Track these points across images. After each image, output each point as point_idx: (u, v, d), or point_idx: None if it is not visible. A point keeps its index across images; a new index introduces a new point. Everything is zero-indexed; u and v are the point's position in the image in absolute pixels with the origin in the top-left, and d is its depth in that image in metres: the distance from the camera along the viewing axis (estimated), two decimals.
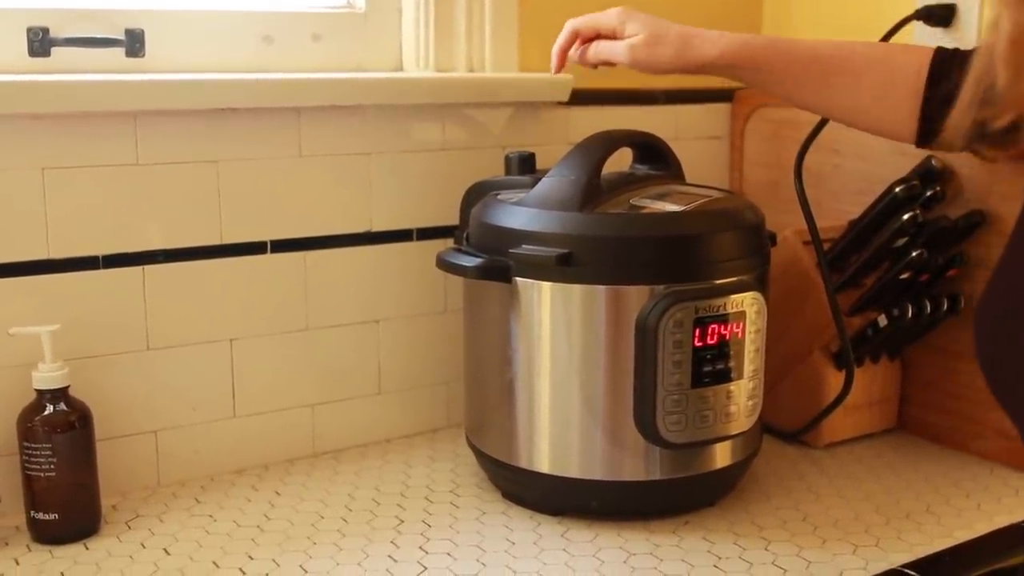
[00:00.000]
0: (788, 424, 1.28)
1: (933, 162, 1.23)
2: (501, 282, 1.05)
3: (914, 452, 1.27)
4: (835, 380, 1.25)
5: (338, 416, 1.26)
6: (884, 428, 1.32)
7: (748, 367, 1.06)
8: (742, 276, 1.06)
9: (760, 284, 1.08)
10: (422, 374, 1.31)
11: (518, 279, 1.05)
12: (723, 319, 1.03)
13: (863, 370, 1.28)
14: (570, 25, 1.11)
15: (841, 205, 1.34)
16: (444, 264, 1.08)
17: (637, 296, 1.02)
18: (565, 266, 1.02)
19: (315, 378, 1.24)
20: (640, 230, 1.03)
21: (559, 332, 1.04)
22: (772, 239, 1.15)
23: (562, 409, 1.06)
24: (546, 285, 1.04)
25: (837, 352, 1.26)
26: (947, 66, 1.01)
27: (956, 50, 1.02)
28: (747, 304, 1.04)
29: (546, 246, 1.03)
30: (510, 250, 1.04)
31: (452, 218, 1.28)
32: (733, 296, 1.03)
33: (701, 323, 1.02)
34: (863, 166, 1.33)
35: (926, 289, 1.23)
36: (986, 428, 1.23)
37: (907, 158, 1.26)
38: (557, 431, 1.06)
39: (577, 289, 1.03)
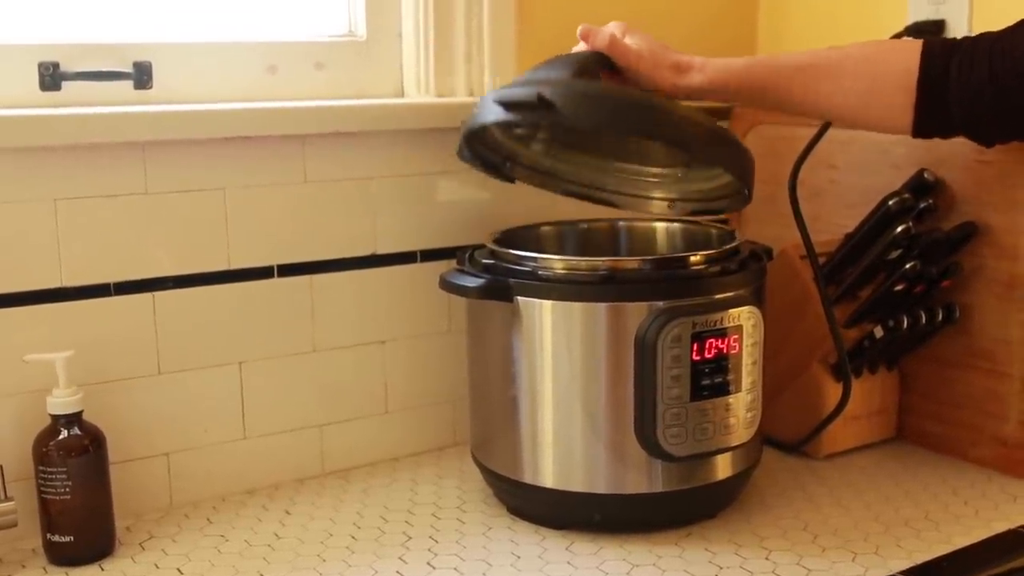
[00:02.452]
0: (788, 436, 1.30)
1: (925, 175, 1.25)
2: (503, 301, 1.08)
3: (913, 461, 1.29)
4: (834, 391, 1.27)
5: (346, 436, 1.29)
6: (883, 438, 1.34)
7: (746, 380, 1.08)
8: (739, 291, 1.08)
9: (757, 298, 1.10)
10: (428, 393, 1.34)
11: (519, 298, 1.07)
12: (721, 333, 1.05)
13: (861, 381, 1.30)
14: (580, 32, 1.12)
15: (838, 219, 1.36)
16: (447, 285, 1.11)
17: (636, 312, 1.04)
18: (546, 110, 1.00)
19: (323, 398, 1.27)
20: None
21: (560, 349, 1.07)
22: (768, 254, 1.18)
23: (565, 425, 1.08)
24: (547, 304, 1.06)
25: (835, 364, 1.28)
26: (939, 59, 1.05)
27: (945, 40, 1.06)
28: (744, 318, 1.07)
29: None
30: (494, 100, 1.05)
31: (455, 239, 1.31)
32: (730, 311, 1.06)
33: (699, 338, 1.04)
34: (859, 180, 1.36)
35: (921, 300, 1.25)
36: (983, 436, 1.25)
37: (902, 171, 1.29)
38: (560, 446, 1.09)
39: (577, 307, 1.05)
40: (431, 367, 1.34)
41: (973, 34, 1.07)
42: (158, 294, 1.15)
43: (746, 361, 1.08)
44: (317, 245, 1.24)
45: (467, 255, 1.18)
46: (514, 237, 1.22)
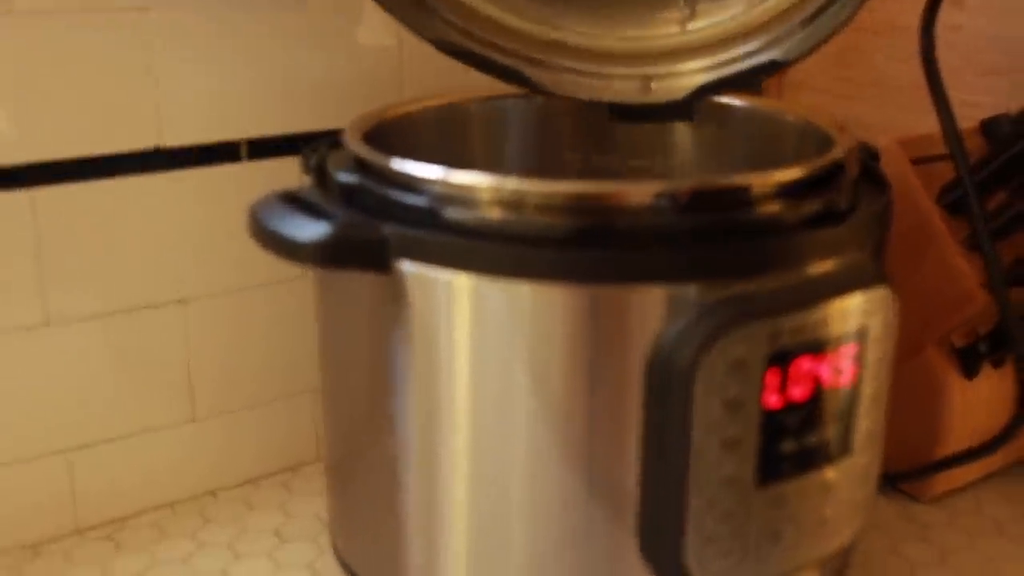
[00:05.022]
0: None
1: None
2: (371, 271, 0.52)
3: None
4: (961, 394, 0.75)
5: (117, 465, 0.74)
6: (1016, 459, 0.82)
7: (862, 429, 0.54)
8: (855, 252, 0.53)
9: (881, 264, 0.56)
10: (267, 380, 0.79)
11: (407, 265, 0.51)
12: (820, 347, 0.51)
13: (986, 375, 0.77)
14: None
15: (962, 93, 0.80)
16: (261, 232, 0.54)
17: (649, 307, 0.49)
18: None
19: (71, 405, 0.71)
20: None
21: (489, 375, 0.52)
22: (874, 157, 0.63)
23: (494, 522, 0.54)
24: (463, 281, 0.50)
25: (965, 348, 0.75)
26: None
27: None
28: (868, 312, 0.52)
29: None
30: None
31: (304, 122, 0.74)
32: (842, 300, 0.51)
33: (781, 360, 0.50)
34: (1005, 28, 0.80)
35: None
36: None
37: None
38: (484, 559, 0.55)
39: (528, 292, 0.50)
40: (271, 337, 0.78)
41: None
42: None
43: (866, 394, 0.54)
44: (42, 135, 0.66)
45: (316, 158, 0.61)
46: (402, 126, 0.66)
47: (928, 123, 0.84)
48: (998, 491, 0.79)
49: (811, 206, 0.52)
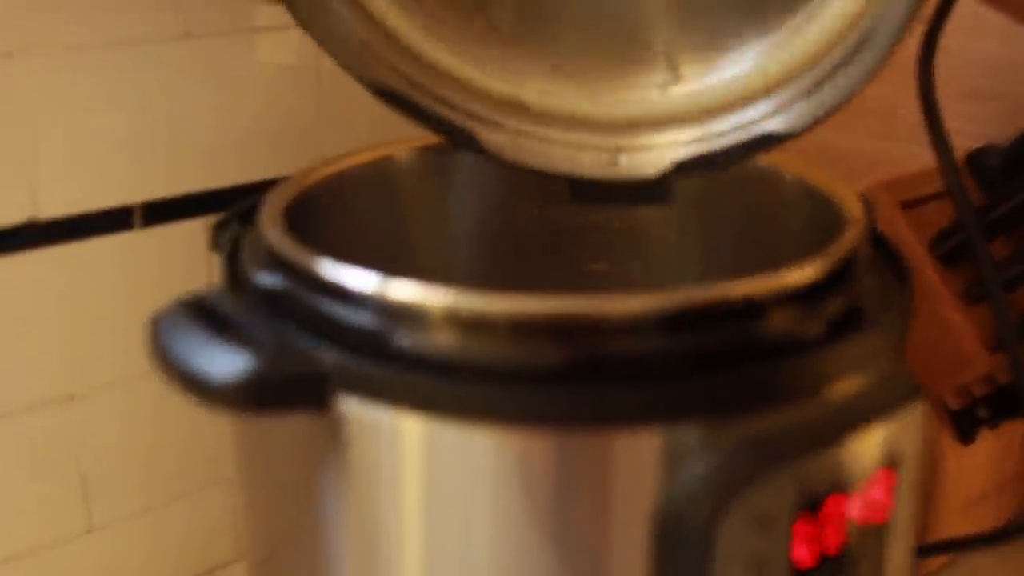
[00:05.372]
0: None
1: None
2: (307, 411, 0.42)
3: None
4: (956, 460, 0.68)
5: None
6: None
7: (895, 554, 0.46)
8: (879, 361, 0.45)
9: (907, 365, 0.48)
10: (174, 476, 0.68)
11: (346, 402, 0.41)
12: (853, 484, 0.42)
13: (983, 438, 0.70)
14: None
15: (949, 123, 0.73)
16: (165, 364, 0.43)
17: (640, 455, 0.40)
18: None
19: None
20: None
21: (447, 539, 0.42)
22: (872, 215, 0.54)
23: None
24: (412, 422, 0.41)
25: (961, 411, 0.68)
26: None
27: None
28: (903, 430, 0.44)
29: None
30: None
31: (209, 176, 0.64)
32: (871, 432, 0.43)
33: (811, 507, 0.41)
34: (994, 48, 0.73)
35: None
36: None
37: None
38: None
39: (490, 438, 0.40)
40: (179, 428, 0.68)
41: None
42: None
43: (902, 521, 0.46)
44: None
45: (227, 239, 0.51)
46: (331, 190, 0.56)
47: (897, 149, 0.77)
48: (995, 555, 0.72)
49: (829, 308, 0.44)
